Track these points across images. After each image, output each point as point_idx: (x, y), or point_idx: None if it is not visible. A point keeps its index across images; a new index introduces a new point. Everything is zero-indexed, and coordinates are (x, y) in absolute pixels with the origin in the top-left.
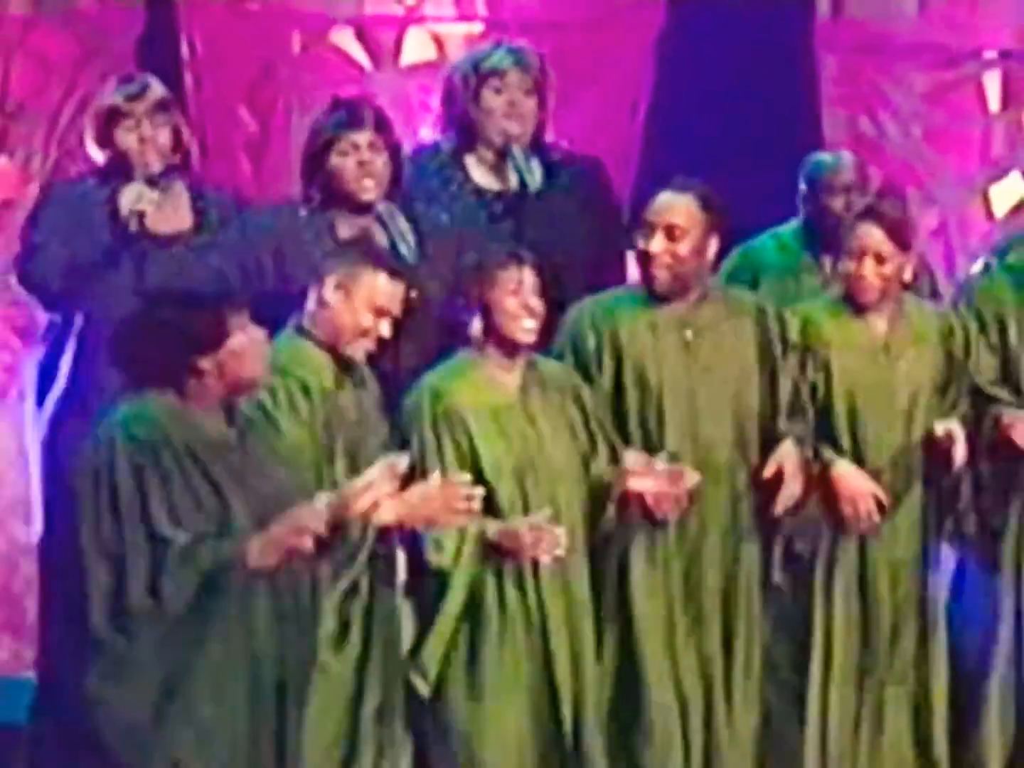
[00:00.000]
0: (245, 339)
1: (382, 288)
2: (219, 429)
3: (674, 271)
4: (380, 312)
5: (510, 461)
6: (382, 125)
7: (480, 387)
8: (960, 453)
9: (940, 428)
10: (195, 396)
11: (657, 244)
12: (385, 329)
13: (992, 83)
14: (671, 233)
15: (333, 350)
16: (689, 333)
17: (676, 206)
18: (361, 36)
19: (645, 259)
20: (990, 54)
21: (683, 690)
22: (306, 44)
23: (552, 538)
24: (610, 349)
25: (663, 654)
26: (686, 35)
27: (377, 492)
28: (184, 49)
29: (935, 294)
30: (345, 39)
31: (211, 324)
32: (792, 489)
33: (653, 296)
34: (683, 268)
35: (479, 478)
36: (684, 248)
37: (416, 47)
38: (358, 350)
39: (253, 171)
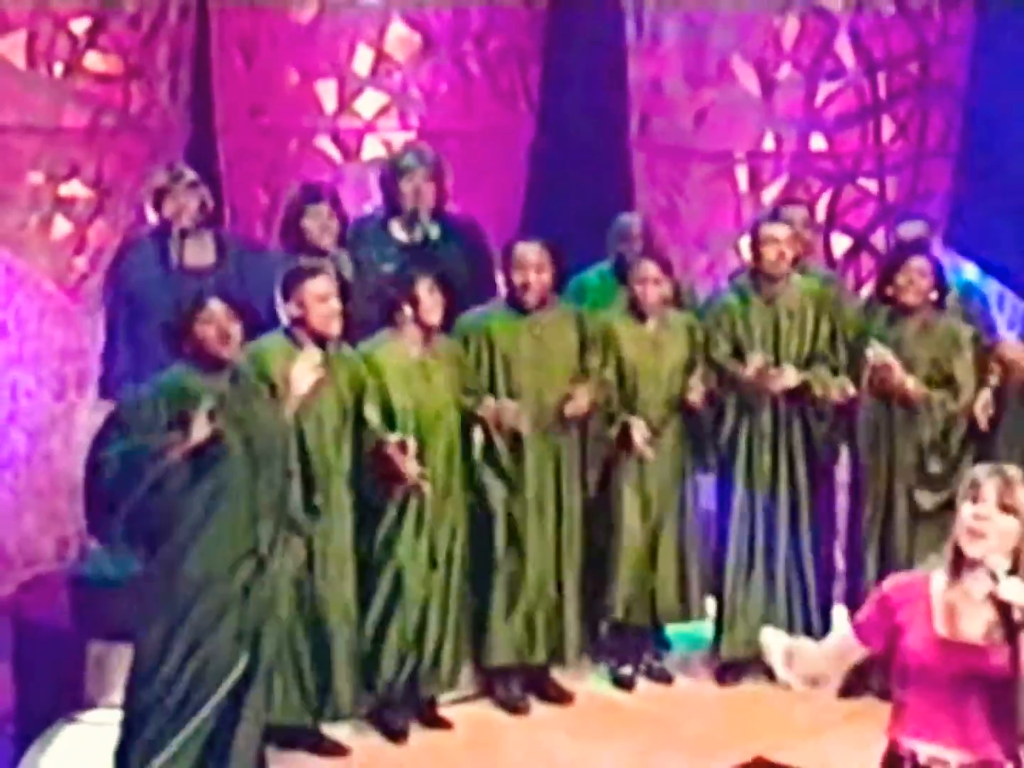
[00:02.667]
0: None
1: (315, 285)
2: (226, 386)
3: (542, 294)
4: (323, 298)
5: (410, 400)
6: (335, 202)
7: (396, 353)
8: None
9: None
10: (212, 365)
11: (532, 277)
12: (335, 304)
13: (742, 173)
14: (539, 270)
15: (316, 336)
16: (538, 330)
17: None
18: (336, 140)
19: (523, 287)
20: (739, 154)
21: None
22: (300, 146)
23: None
24: (487, 342)
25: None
26: (550, 144)
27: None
28: (219, 148)
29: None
30: (325, 143)
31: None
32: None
33: (517, 308)
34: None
35: (389, 408)
36: (545, 278)
37: (372, 148)
38: (332, 327)
39: (265, 232)
